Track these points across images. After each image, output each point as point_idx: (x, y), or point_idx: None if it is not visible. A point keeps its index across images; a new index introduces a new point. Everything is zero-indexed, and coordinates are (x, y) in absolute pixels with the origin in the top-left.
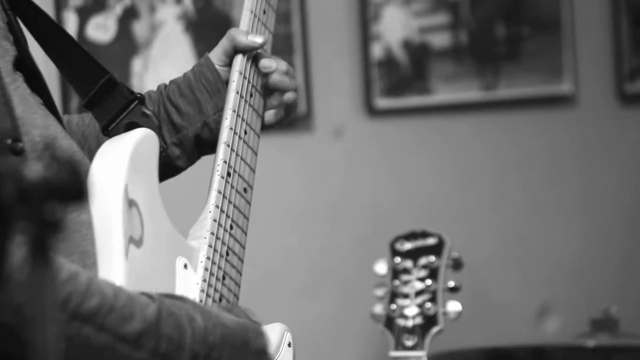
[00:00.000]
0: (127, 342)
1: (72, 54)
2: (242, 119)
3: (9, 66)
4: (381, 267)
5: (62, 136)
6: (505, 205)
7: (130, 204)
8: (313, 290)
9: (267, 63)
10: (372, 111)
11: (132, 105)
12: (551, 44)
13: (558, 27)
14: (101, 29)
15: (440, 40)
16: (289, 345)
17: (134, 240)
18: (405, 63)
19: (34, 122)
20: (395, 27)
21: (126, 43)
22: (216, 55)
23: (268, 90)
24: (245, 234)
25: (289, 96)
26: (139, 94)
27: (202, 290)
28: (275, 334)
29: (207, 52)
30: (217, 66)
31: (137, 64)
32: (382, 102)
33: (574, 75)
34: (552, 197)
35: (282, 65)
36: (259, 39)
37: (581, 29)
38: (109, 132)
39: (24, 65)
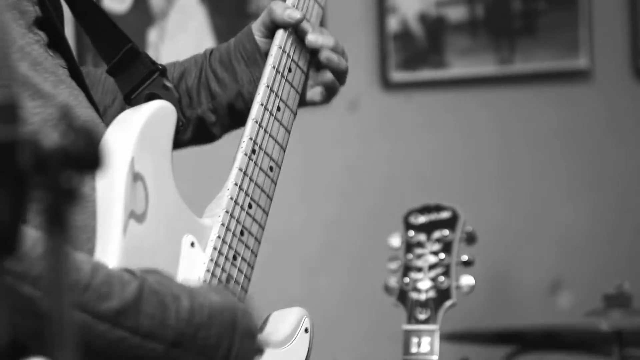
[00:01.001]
0: (104, 320)
1: (97, 19)
2: (277, 95)
3: (21, 29)
4: (395, 241)
5: (74, 104)
6: (519, 180)
7: (136, 177)
8: (327, 263)
9: (312, 38)
10: (388, 84)
11: (153, 77)
12: (567, 19)
13: (574, 2)
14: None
15: (456, 13)
16: (306, 330)
17: (135, 215)
18: (421, 36)
19: (42, 89)
20: (411, 0)
21: (142, 14)
22: (256, 26)
23: (316, 66)
24: (267, 214)
25: (327, 77)
26: (161, 65)
27: (208, 270)
28: (292, 318)
29: (222, 23)
30: (256, 37)
31: (152, 35)
32: (397, 76)
33: (589, 50)
34: (567, 172)
35: (329, 41)
36: (296, 14)
37: (597, 4)
38: (130, 101)
39: (47, 25)
